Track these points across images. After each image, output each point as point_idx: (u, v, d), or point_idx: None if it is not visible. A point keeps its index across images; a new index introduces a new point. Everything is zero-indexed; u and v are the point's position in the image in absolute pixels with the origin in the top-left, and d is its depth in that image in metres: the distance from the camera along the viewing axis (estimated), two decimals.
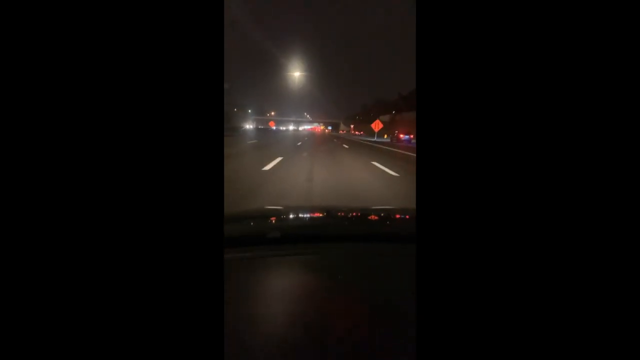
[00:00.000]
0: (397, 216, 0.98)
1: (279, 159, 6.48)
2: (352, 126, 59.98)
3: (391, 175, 5.16)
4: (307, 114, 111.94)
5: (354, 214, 0.96)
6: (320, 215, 0.95)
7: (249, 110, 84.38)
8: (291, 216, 0.94)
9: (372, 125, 24.71)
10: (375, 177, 4.91)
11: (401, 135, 22.70)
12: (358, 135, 49.64)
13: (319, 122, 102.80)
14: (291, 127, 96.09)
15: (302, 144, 12.99)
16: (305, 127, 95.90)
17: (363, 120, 60.11)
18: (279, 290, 0.45)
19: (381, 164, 6.66)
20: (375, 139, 28.03)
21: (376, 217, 0.97)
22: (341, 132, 76.38)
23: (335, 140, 20.33)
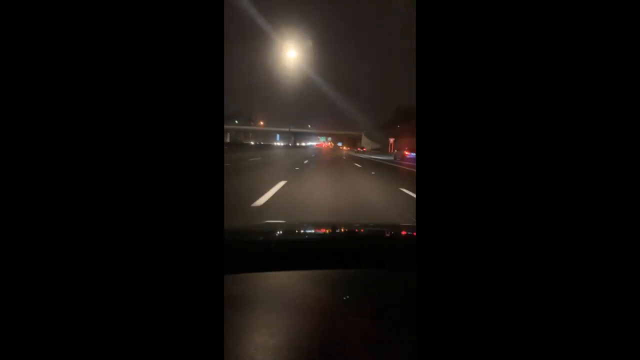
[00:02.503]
0: (403, 233, 0.98)
1: None
2: (391, 141, 39.81)
3: None
4: (310, 125, 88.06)
5: (357, 230, 1.01)
6: (322, 231, 0.97)
7: (236, 121, 67.62)
8: (293, 231, 0.97)
9: None
10: None
11: (406, 153, 20.18)
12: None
13: (326, 137, 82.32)
14: (278, 143, 71.28)
15: None
16: (310, 144, 75.99)
17: (403, 130, 39.62)
18: (276, 306, 0.46)
19: None
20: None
21: (378, 234, 0.98)
22: (344, 148, 57.89)
23: None
